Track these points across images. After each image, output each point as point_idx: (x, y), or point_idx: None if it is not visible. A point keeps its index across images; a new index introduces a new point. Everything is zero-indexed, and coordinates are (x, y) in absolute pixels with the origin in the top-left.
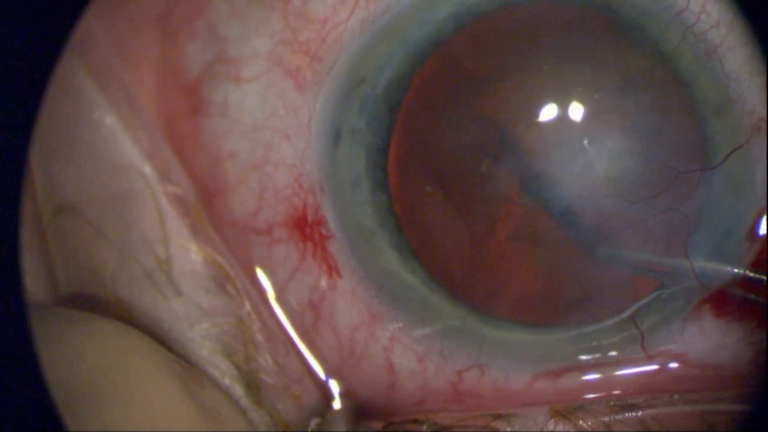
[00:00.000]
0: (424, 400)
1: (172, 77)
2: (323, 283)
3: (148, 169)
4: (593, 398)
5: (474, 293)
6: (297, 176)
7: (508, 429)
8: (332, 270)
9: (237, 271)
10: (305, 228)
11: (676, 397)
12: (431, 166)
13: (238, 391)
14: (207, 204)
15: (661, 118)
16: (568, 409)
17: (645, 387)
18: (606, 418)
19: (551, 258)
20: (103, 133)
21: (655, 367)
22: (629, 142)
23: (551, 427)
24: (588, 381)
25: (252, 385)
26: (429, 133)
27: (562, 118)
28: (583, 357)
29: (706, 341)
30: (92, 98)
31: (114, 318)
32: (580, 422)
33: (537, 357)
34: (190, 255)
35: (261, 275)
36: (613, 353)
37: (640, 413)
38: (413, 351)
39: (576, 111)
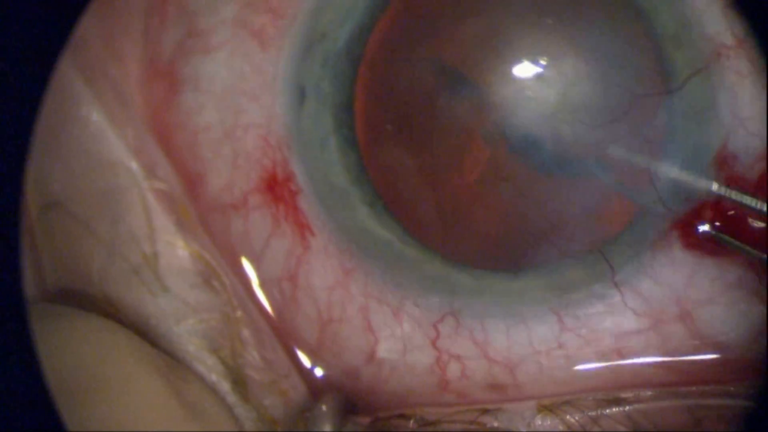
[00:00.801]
0: (406, 371)
1: (153, 65)
2: (297, 244)
3: (134, 165)
4: (581, 391)
5: (443, 239)
6: (265, 136)
7: (495, 424)
8: (304, 228)
9: (223, 267)
10: (275, 188)
11: (664, 391)
12: (396, 117)
13: (225, 386)
14: (189, 188)
15: (618, 42)
16: (555, 404)
17: (622, 335)
18: (593, 413)
19: (515, 191)
20: (91, 129)
21: (631, 314)
22: (585, 67)
23: (538, 422)
24: (566, 326)
25: (239, 380)
26: (392, 85)
27: (519, 48)
28: (556, 297)
29: (678, 275)
30: (80, 94)
31: (101, 314)
32: (567, 417)
33: (510, 301)
34: (176, 251)
35: (244, 262)
36: (585, 290)
37: (627, 408)
38: (389, 306)
39: (532, 39)
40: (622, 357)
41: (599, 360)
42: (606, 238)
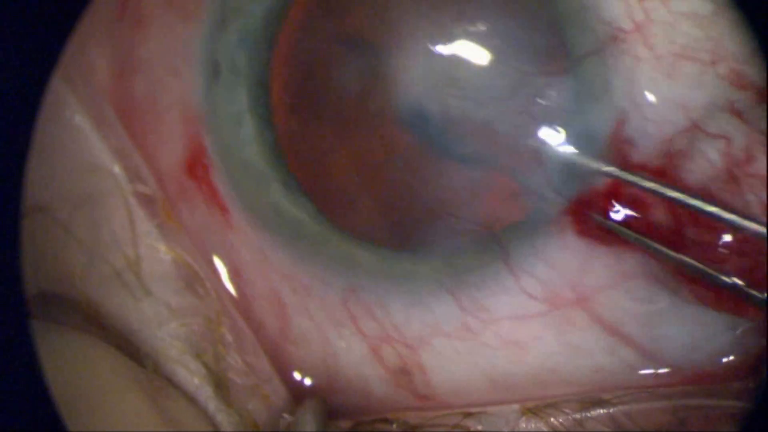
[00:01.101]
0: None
1: (118, 61)
2: (221, 222)
3: (117, 169)
4: (563, 394)
5: (347, 216)
6: (184, 112)
7: (479, 427)
8: (223, 208)
9: (206, 271)
10: (195, 166)
11: (647, 393)
12: (310, 95)
13: (208, 391)
14: (160, 181)
15: (512, 20)
16: (538, 407)
17: (519, 318)
18: (577, 415)
19: (407, 167)
20: (73, 132)
21: (525, 299)
22: (477, 43)
23: (522, 425)
24: (465, 308)
25: (221, 385)
26: (307, 62)
27: (415, 25)
28: (451, 278)
29: (572, 260)
30: (62, 96)
31: (83, 318)
32: (551, 420)
33: (406, 280)
34: (159, 255)
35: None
36: (479, 272)
37: (611, 410)
38: (300, 283)
39: (427, 16)
40: (524, 343)
41: (501, 346)
42: (498, 219)
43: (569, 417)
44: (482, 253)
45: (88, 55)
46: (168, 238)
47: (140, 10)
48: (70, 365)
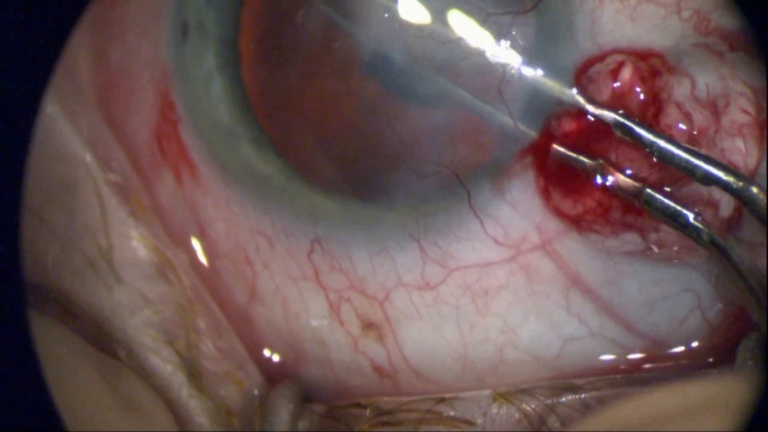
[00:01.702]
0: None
1: (98, 39)
2: (188, 178)
3: (88, 158)
4: (532, 379)
5: (306, 163)
6: (152, 72)
7: (452, 413)
8: (193, 167)
9: (177, 254)
10: (165, 126)
11: (619, 378)
12: (279, 51)
13: (180, 378)
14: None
15: None
16: (510, 392)
17: (485, 265)
18: (549, 401)
19: (368, 108)
20: (44, 122)
21: (491, 243)
22: None
23: (494, 410)
24: (428, 255)
25: (194, 372)
26: (275, 19)
27: None
28: (413, 222)
29: (535, 202)
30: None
31: (55, 305)
32: (524, 405)
33: (370, 228)
34: (131, 243)
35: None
36: (443, 216)
37: (583, 395)
38: (264, 236)
39: None
40: (488, 291)
41: (467, 294)
42: (462, 160)
43: (541, 402)
44: (447, 197)
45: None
46: (140, 225)
47: None
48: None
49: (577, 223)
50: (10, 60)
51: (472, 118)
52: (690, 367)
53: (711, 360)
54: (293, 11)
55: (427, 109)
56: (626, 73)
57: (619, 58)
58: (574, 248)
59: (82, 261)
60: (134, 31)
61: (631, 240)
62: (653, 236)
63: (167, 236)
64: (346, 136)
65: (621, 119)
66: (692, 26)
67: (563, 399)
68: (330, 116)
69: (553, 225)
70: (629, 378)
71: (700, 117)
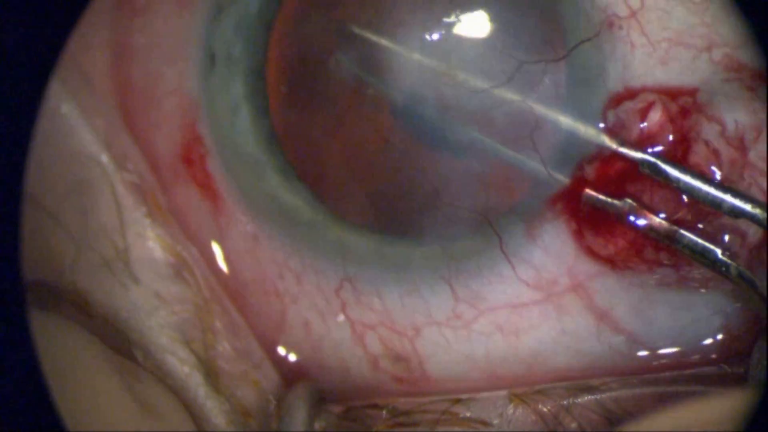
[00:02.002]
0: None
1: (113, 49)
2: (213, 210)
3: (104, 158)
4: (552, 381)
5: (343, 203)
6: (179, 102)
7: (468, 414)
8: (215, 194)
9: (195, 258)
10: (189, 154)
11: (635, 379)
12: (307, 83)
13: (198, 378)
14: (152, 166)
15: (505, 8)
16: (527, 393)
17: (516, 306)
18: (565, 402)
19: (401, 154)
20: (60, 121)
21: (524, 287)
22: (470, 31)
23: (510, 411)
24: (459, 296)
25: (211, 372)
26: (303, 51)
27: (411, 12)
28: (446, 266)
29: (567, 245)
30: (48, 86)
31: (72, 306)
32: (539, 406)
33: (401, 268)
34: (147, 243)
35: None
36: (475, 260)
37: (599, 396)
38: (292, 272)
39: (423, 5)
40: (519, 331)
41: (498, 334)
42: (493, 206)
43: (557, 403)
44: (478, 240)
45: (83, 45)
46: (156, 226)
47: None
48: (56, 350)
49: (610, 262)
50: (11, 60)
51: (504, 165)
52: (706, 373)
53: (729, 368)
54: (325, 57)
55: (459, 156)
56: (656, 113)
57: (649, 97)
58: (607, 286)
59: (99, 261)
60: (159, 56)
61: (665, 274)
62: (687, 269)
63: (184, 237)
64: (377, 179)
65: (648, 158)
66: (723, 65)
67: (579, 400)
68: (360, 159)
69: (585, 266)
70: (644, 379)
71: (728, 152)
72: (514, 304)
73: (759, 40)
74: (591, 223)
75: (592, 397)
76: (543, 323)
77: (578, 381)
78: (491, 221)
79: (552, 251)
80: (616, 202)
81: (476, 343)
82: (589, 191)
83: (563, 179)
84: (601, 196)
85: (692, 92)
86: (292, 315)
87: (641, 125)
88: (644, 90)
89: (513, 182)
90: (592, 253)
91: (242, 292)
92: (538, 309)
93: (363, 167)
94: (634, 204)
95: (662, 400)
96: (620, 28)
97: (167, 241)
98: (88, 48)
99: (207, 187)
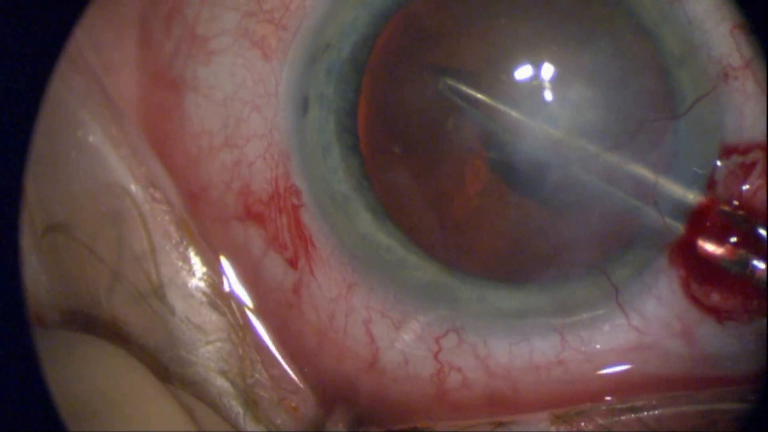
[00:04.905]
0: (407, 380)
1: (152, 74)
2: (301, 257)
3: (133, 187)
4: (594, 399)
5: (446, 251)
6: (267, 147)
7: None
8: (306, 241)
9: (227, 285)
10: (277, 200)
11: (677, 397)
12: (400, 126)
13: (237, 408)
14: (190, 201)
15: (624, 67)
16: (568, 414)
17: (625, 351)
18: (607, 421)
19: (518, 214)
20: (88, 152)
21: (634, 333)
22: (591, 93)
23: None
24: (569, 344)
25: (250, 401)
26: (395, 94)
27: (523, 71)
28: (559, 318)
29: (680, 295)
30: (75, 116)
31: (110, 336)
32: (582, 424)
33: (512, 319)
34: (180, 273)
35: (246, 275)
36: (589, 311)
37: (641, 414)
38: (390, 319)
39: (537, 64)
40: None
41: (600, 374)
42: (609, 259)
43: (599, 422)
44: (592, 292)
45: (108, 62)
46: (189, 254)
47: (196, 29)
48: (101, 375)
49: (716, 312)
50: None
51: (623, 220)
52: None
53: None
54: (416, 93)
55: (577, 214)
56: (758, 172)
57: (758, 155)
58: (709, 335)
59: (133, 292)
60: (237, 98)
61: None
62: None
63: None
64: (488, 233)
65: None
66: None
67: (622, 418)
68: (475, 221)
69: (692, 315)
70: (687, 397)
71: None
72: (621, 348)
73: None
74: (700, 271)
75: (635, 416)
76: (645, 367)
77: (620, 401)
78: (608, 274)
79: (665, 300)
80: (725, 252)
81: (578, 385)
82: (701, 242)
83: (679, 229)
84: (713, 248)
85: None
86: (387, 361)
87: (746, 181)
88: (756, 147)
89: (631, 236)
90: (697, 301)
91: (332, 337)
92: (643, 354)
93: (471, 222)
94: (743, 254)
95: (704, 418)
96: (735, 78)
97: (202, 270)
98: (113, 70)
99: (297, 234)
